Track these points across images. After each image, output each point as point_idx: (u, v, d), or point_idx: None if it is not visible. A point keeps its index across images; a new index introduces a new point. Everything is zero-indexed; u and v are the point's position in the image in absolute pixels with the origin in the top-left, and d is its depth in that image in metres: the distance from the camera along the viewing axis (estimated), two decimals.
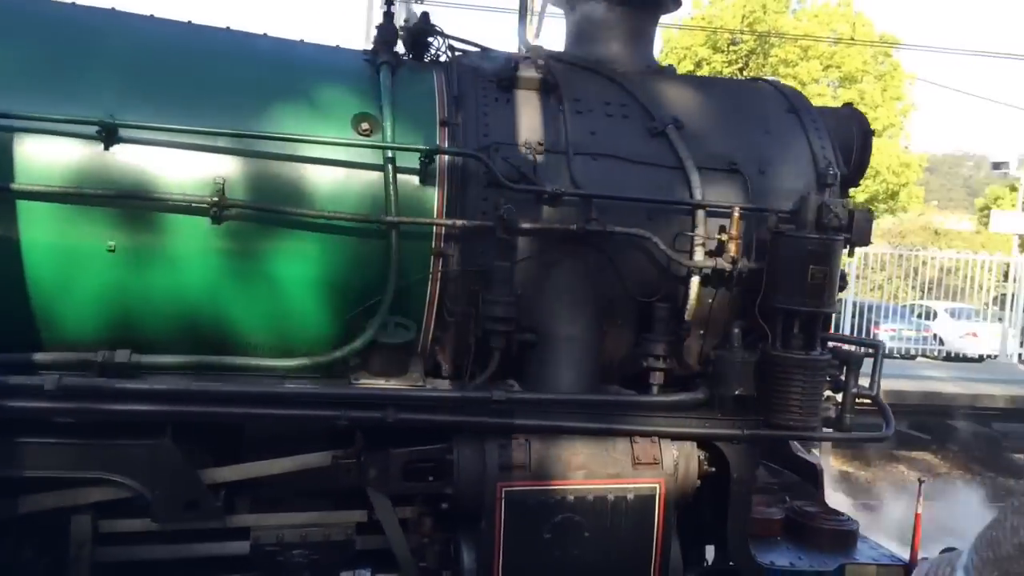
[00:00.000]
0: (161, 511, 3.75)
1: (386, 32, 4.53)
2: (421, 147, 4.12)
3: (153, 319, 3.89)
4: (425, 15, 4.78)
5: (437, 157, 4.18)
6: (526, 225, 4.16)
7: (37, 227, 3.70)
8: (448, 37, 4.79)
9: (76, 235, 3.75)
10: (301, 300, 4.07)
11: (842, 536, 4.83)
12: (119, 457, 3.69)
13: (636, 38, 5.04)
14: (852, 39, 25.79)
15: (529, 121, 4.42)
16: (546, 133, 4.40)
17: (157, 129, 3.81)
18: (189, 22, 4.41)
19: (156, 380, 3.75)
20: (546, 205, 4.25)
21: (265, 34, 4.54)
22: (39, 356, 3.75)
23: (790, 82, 29.86)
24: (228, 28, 4.49)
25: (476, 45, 4.89)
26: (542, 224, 4.21)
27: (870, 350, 4.56)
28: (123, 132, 3.77)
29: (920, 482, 4.82)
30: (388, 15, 4.58)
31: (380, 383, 4.04)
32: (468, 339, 4.23)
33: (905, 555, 4.69)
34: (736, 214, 4.33)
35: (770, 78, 5.73)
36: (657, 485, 4.10)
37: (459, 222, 4.14)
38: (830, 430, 4.47)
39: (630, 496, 4.07)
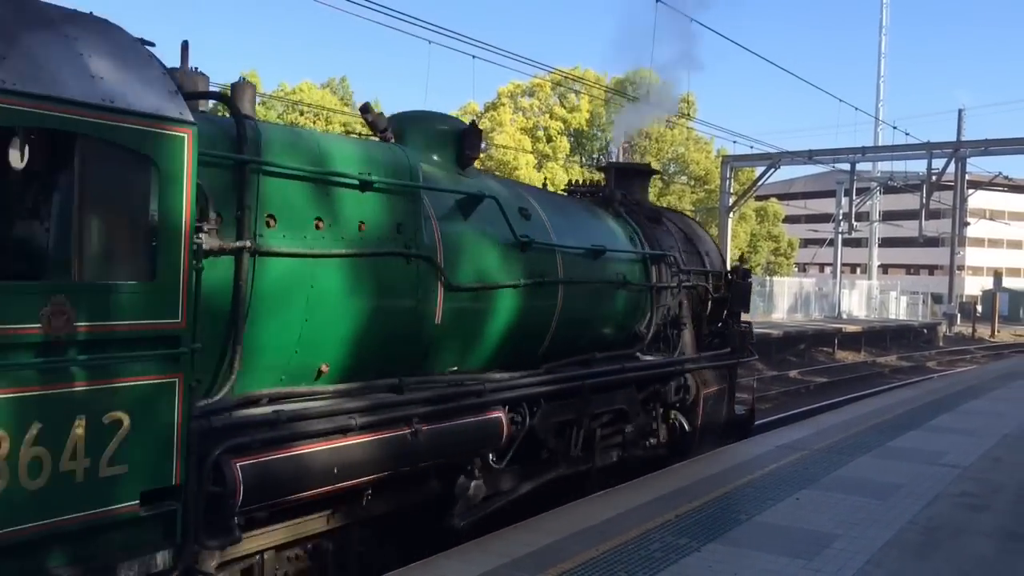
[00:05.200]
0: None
1: (613, 197, 9.64)
2: (657, 252, 9.55)
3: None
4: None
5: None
6: (685, 285, 9.90)
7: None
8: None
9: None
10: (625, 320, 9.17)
11: None
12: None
13: (646, 189, 11.02)
14: None
15: (663, 238, 10.08)
16: (664, 245, 10.12)
17: (574, 248, 8.54)
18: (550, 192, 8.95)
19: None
20: (676, 276, 10.02)
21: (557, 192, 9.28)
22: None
23: None
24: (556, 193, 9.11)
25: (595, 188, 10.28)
26: (682, 285, 9.98)
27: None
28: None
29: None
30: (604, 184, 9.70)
31: (651, 357, 9.37)
32: (663, 333, 9.75)
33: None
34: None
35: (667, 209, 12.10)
36: (726, 385, 10.34)
37: (667, 284, 9.66)
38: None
39: (719, 390, 10.22)
